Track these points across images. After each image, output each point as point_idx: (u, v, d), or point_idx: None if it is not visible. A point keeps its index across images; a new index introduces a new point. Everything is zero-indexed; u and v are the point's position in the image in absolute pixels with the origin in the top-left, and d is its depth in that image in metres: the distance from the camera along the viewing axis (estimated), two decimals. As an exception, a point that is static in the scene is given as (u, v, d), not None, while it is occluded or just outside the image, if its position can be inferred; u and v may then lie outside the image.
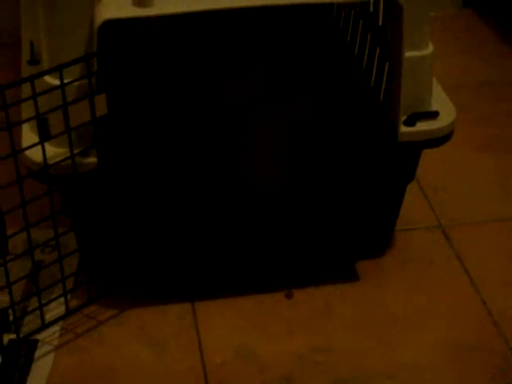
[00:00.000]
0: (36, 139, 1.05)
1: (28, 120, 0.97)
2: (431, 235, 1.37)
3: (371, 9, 1.21)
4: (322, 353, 1.18)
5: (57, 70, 0.96)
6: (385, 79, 1.16)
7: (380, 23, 1.18)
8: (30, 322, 1.17)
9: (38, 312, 1.14)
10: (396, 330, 1.21)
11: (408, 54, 1.10)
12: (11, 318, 1.10)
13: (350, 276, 1.29)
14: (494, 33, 1.92)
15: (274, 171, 1.17)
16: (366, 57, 1.26)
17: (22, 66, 1.22)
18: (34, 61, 1.20)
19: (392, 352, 1.18)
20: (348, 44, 1.34)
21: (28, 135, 1.06)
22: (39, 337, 1.17)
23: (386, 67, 1.16)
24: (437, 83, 1.20)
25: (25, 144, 1.03)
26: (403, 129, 1.15)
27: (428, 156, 1.25)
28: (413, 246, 1.35)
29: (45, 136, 0.99)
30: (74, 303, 1.21)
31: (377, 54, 1.21)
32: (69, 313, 1.17)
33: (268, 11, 1.06)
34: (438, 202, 1.44)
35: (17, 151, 0.97)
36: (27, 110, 1.03)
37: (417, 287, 1.28)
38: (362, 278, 1.29)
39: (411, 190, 1.31)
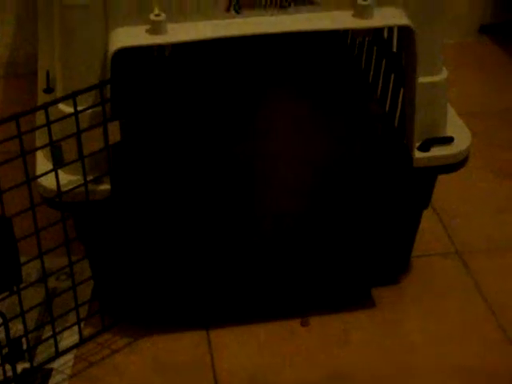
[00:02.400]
0: (50, 166, 1.05)
1: (42, 147, 0.97)
2: (448, 262, 1.36)
3: (385, 36, 1.21)
4: (340, 381, 1.16)
5: (71, 97, 0.96)
6: (399, 105, 1.16)
7: (394, 49, 1.17)
8: (43, 351, 1.16)
9: (51, 340, 1.13)
10: (414, 358, 1.20)
11: (422, 79, 1.09)
12: (25, 346, 1.09)
13: (367, 303, 1.28)
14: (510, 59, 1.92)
15: (290, 199, 1.17)
16: (380, 83, 1.26)
17: (38, 94, 1.23)
18: (50, 89, 1.21)
19: (411, 380, 1.16)
20: (362, 71, 1.34)
21: (42, 163, 1.07)
22: (53, 365, 1.17)
23: (401, 93, 1.16)
24: (451, 109, 1.19)
25: (39, 171, 1.03)
26: (418, 154, 1.14)
27: (445, 181, 1.24)
28: (429, 273, 1.34)
29: (58, 163, 0.99)
30: (87, 331, 1.20)
31: (391, 81, 1.20)
32: (83, 341, 1.16)
33: (282, 38, 1.06)
34: (454, 227, 1.43)
35: (30, 179, 0.97)
36: (42, 137, 1.04)
37: (434, 314, 1.27)
38: (378, 305, 1.28)
39: (427, 215, 1.30)
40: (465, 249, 1.38)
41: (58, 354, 1.13)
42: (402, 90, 1.19)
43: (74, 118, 0.99)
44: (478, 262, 1.36)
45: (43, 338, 1.16)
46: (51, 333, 1.12)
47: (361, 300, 1.28)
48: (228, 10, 1.03)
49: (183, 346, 1.21)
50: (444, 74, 1.12)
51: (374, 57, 1.30)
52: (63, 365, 1.17)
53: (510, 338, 1.22)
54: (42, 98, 1.22)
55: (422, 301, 1.29)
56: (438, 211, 1.44)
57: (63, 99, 0.96)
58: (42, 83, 1.24)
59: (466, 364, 1.18)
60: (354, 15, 1.05)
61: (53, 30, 1.09)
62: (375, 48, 1.28)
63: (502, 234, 1.41)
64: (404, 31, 1.08)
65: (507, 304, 1.28)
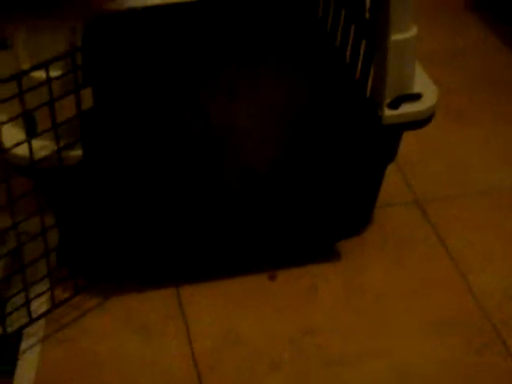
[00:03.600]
0: (18, 134, 1.02)
1: (16, 118, 0.94)
2: (409, 211, 1.39)
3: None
4: (310, 335, 1.19)
5: (43, 66, 0.93)
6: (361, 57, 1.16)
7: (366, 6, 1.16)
8: (14, 315, 1.15)
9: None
10: (380, 310, 1.23)
11: (394, 37, 1.09)
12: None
13: (333, 255, 1.30)
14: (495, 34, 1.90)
15: (256, 153, 1.17)
16: (340, 33, 1.25)
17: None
18: (3, 45, 1.16)
19: (377, 332, 1.19)
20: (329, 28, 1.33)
21: (9, 130, 1.03)
22: (24, 329, 1.15)
23: (362, 44, 1.16)
24: (419, 65, 1.19)
25: (7, 140, 1.00)
26: (387, 112, 1.14)
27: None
28: (392, 223, 1.36)
29: (31, 132, 0.96)
30: (58, 294, 1.19)
31: (354, 34, 1.20)
32: (55, 306, 1.15)
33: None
34: (413, 176, 1.45)
35: (6, 149, 0.94)
36: (6, 105, 1.00)
37: (398, 265, 1.29)
38: (343, 257, 1.30)
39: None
40: (424, 197, 1.41)
41: (32, 319, 1.12)
42: (363, 42, 1.19)
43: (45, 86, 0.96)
44: (438, 210, 1.38)
45: (13, 302, 1.15)
46: (24, 300, 1.10)
47: (325, 253, 1.30)
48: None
49: (154, 305, 1.21)
50: (414, 31, 1.12)
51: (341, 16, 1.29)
52: (34, 328, 1.16)
53: (469, 286, 1.25)
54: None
55: (384, 251, 1.31)
56: (397, 160, 1.46)
57: (37, 67, 0.93)
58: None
59: (428, 313, 1.22)
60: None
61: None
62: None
63: (459, 181, 1.44)
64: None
65: (467, 250, 1.31)
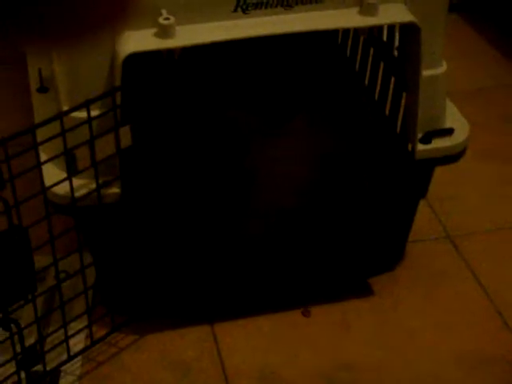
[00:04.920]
0: (58, 173, 1.04)
1: (57, 156, 0.96)
2: (441, 246, 1.39)
3: (384, 36, 1.21)
4: (345, 370, 1.19)
5: (84, 106, 0.95)
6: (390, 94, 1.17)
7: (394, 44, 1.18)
8: (52, 353, 1.16)
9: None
10: (414, 344, 1.23)
11: (425, 72, 1.10)
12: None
13: (365, 291, 1.30)
14: (482, 37, 1.94)
15: (290, 193, 1.18)
16: (368, 72, 1.27)
17: (32, 94, 1.22)
18: (44, 88, 1.19)
19: (411, 366, 1.19)
20: (352, 65, 1.35)
21: (49, 170, 1.05)
22: (61, 367, 1.16)
23: (391, 82, 1.17)
24: (449, 100, 1.21)
25: (48, 179, 1.02)
26: (420, 147, 1.15)
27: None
28: (424, 258, 1.36)
29: (72, 170, 0.98)
30: (94, 332, 1.20)
31: (383, 72, 1.21)
32: (93, 343, 1.16)
33: (284, 37, 1.06)
34: (444, 211, 1.45)
35: (46, 188, 0.96)
36: (48, 145, 1.02)
37: (431, 299, 1.29)
38: (376, 293, 1.30)
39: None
40: (455, 232, 1.41)
41: (70, 357, 1.13)
42: (392, 79, 1.21)
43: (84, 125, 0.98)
44: (470, 245, 1.38)
45: (50, 340, 1.16)
46: (62, 337, 1.11)
47: (358, 288, 1.30)
48: (235, 10, 1.03)
49: (189, 342, 1.22)
50: (444, 67, 1.13)
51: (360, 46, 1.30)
52: (71, 365, 1.17)
53: (505, 321, 1.25)
54: (37, 98, 1.20)
55: (417, 287, 1.31)
56: (427, 196, 1.46)
57: (79, 107, 0.95)
58: (34, 82, 1.22)
59: (463, 348, 1.22)
60: (360, 13, 1.05)
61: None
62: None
63: (490, 216, 1.44)
64: (408, 28, 1.08)
65: (500, 287, 1.31)
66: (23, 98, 1.26)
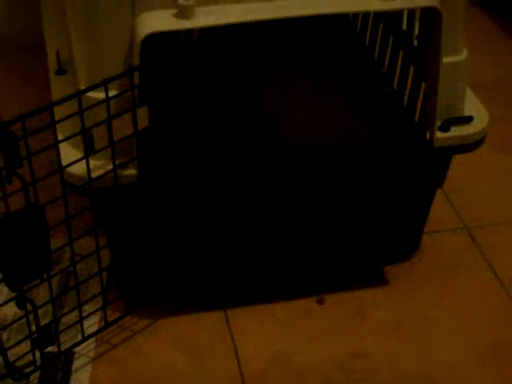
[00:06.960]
0: (76, 153, 1.04)
1: (75, 135, 0.96)
2: (457, 237, 1.38)
3: (404, 25, 1.20)
4: (360, 358, 1.18)
5: (102, 85, 0.95)
6: (410, 85, 1.16)
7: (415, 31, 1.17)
8: (65, 335, 1.16)
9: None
10: (431, 333, 1.22)
11: (445, 59, 1.09)
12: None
13: (381, 280, 1.30)
14: (501, 30, 1.93)
15: (305, 181, 1.17)
16: (387, 60, 1.27)
17: (50, 76, 1.22)
18: (62, 70, 1.19)
19: (429, 355, 1.19)
20: (369, 50, 1.34)
21: (66, 150, 1.05)
22: (75, 348, 1.16)
23: (411, 70, 1.16)
24: (468, 88, 1.20)
25: (65, 159, 1.02)
26: (438, 134, 1.15)
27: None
28: (440, 249, 1.36)
29: (89, 150, 0.98)
30: (109, 315, 1.20)
31: (402, 61, 1.21)
32: (107, 325, 1.16)
33: (302, 20, 1.06)
34: (461, 202, 1.45)
35: (63, 166, 0.96)
36: (64, 125, 1.02)
37: (447, 290, 1.29)
38: (392, 282, 1.30)
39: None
40: (472, 224, 1.40)
41: (84, 338, 1.13)
42: (411, 68, 1.20)
43: (102, 104, 0.98)
44: (486, 236, 1.37)
45: (64, 322, 1.16)
46: (72, 317, 1.11)
47: (374, 277, 1.30)
48: (255, -8, 1.02)
49: (203, 326, 1.22)
50: (465, 53, 1.12)
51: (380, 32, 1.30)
52: (85, 347, 1.17)
53: (521, 310, 1.24)
54: (55, 81, 1.20)
55: (433, 277, 1.31)
56: (444, 187, 1.45)
57: (96, 86, 0.95)
58: (52, 64, 1.22)
59: (481, 337, 1.21)
60: (379, -3, 1.04)
61: (61, 11, 1.07)
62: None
63: (508, 208, 1.43)
64: (429, 13, 1.08)
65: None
66: (44, 84, 1.26)
